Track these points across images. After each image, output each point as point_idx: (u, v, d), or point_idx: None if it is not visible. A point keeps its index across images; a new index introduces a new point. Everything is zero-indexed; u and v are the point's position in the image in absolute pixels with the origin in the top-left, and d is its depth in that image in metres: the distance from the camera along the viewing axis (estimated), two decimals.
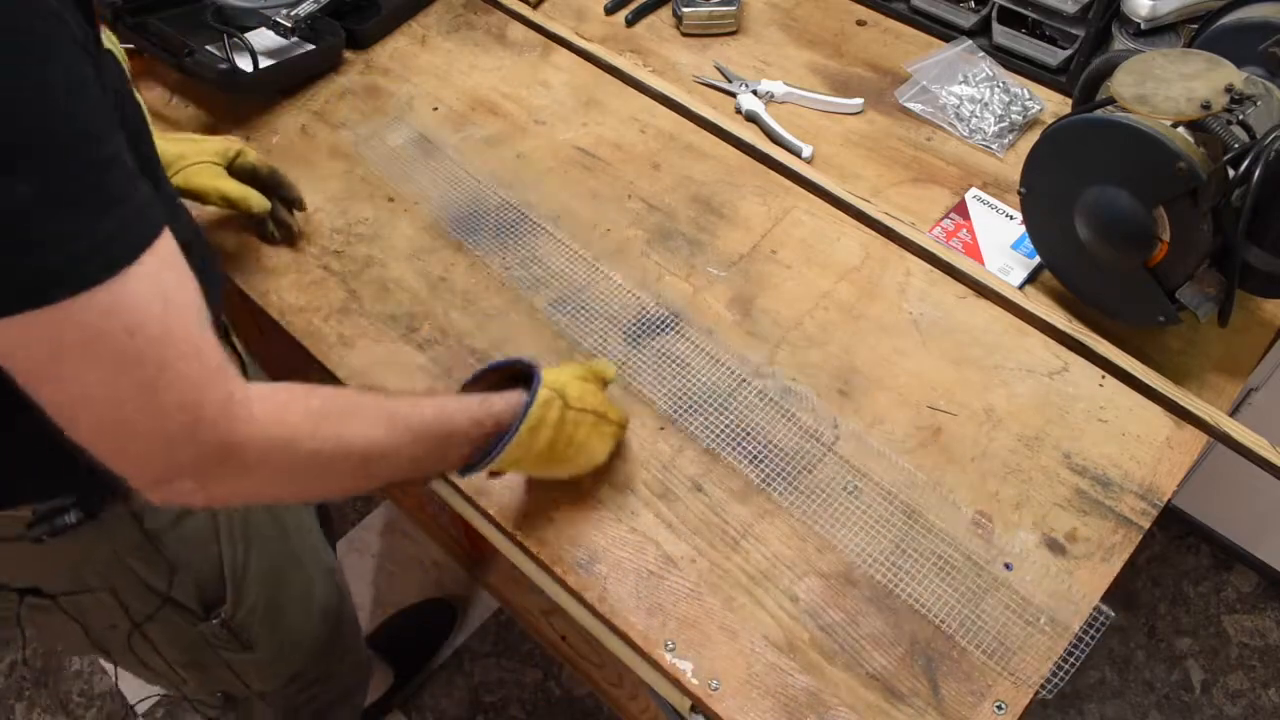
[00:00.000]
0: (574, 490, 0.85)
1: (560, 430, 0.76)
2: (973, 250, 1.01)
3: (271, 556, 0.93)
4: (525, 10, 1.30)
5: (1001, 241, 1.02)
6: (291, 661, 1.00)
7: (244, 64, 1.13)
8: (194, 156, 0.96)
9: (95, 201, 0.50)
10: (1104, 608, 0.76)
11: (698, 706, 0.76)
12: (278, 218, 1.03)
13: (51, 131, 0.48)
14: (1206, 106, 0.78)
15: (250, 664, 0.95)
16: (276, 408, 0.58)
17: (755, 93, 1.17)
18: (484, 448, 0.72)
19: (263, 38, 1.21)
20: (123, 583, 0.82)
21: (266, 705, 1.04)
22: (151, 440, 0.54)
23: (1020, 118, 1.12)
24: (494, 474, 0.80)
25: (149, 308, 0.51)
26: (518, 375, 0.77)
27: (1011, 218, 1.03)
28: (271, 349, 1.05)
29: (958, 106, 1.14)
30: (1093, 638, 0.75)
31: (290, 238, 1.04)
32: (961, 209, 1.05)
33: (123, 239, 0.51)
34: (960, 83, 1.16)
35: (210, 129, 1.18)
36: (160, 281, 0.52)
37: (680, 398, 0.91)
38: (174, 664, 0.92)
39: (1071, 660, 0.74)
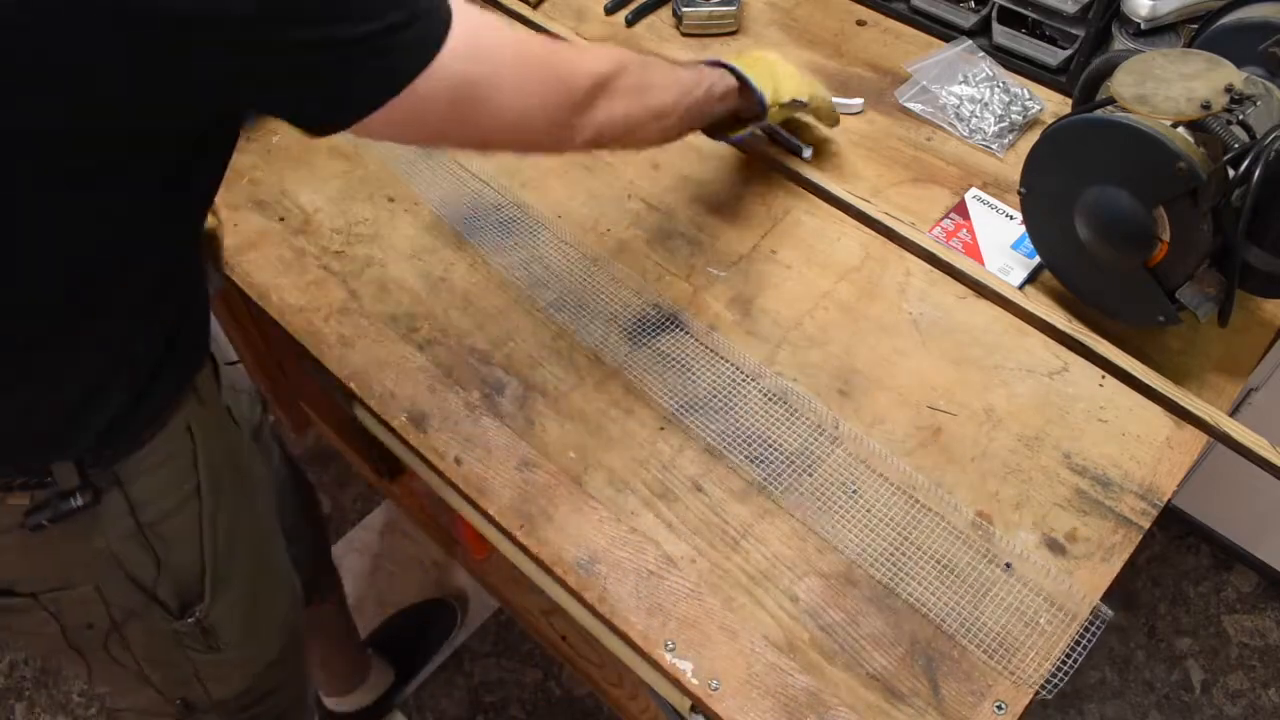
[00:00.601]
0: (574, 490, 0.85)
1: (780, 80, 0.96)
2: (973, 250, 1.01)
3: (251, 563, 0.93)
4: (525, 10, 1.30)
5: (1001, 241, 1.02)
6: (251, 669, 1.00)
7: None
8: None
9: None
10: (1103, 607, 0.76)
11: (698, 706, 0.76)
12: None
13: None
14: (1206, 106, 0.78)
15: (215, 666, 0.94)
16: (598, 52, 0.76)
17: None
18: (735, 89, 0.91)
19: None
20: (110, 577, 0.81)
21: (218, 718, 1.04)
22: (553, 117, 0.70)
23: (1020, 118, 1.12)
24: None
25: (503, 29, 0.65)
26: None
27: (1011, 218, 1.03)
28: (270, 349, 1.05)
29: (958, 106, 1.14)
30: (1092, 636, 0.75)
31: None
32: (961, 209, 1.05)
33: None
34: (960, 83, 1.16)
35: None
36: (493, 24, 0.65)
37: (680, 398, 0.91)
38: (143, 662, 0.91)
39: (1071, 660, 0.74)
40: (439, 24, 0.60)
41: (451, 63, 0.60)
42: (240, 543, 0.91)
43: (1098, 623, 0.76)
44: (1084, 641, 0.75)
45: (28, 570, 0.80)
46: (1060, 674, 0.74)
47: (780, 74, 0.96)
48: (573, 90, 0.71)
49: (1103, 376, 0.91)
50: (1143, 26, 1.06)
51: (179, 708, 0.99)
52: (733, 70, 0.91)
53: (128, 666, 0.90)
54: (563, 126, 0.72)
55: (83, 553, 0.79)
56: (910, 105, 1.16)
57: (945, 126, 1.13)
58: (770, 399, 0.91)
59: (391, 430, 0.92)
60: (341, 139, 1.15)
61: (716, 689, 0.75)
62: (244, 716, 1.04)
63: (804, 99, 0.98)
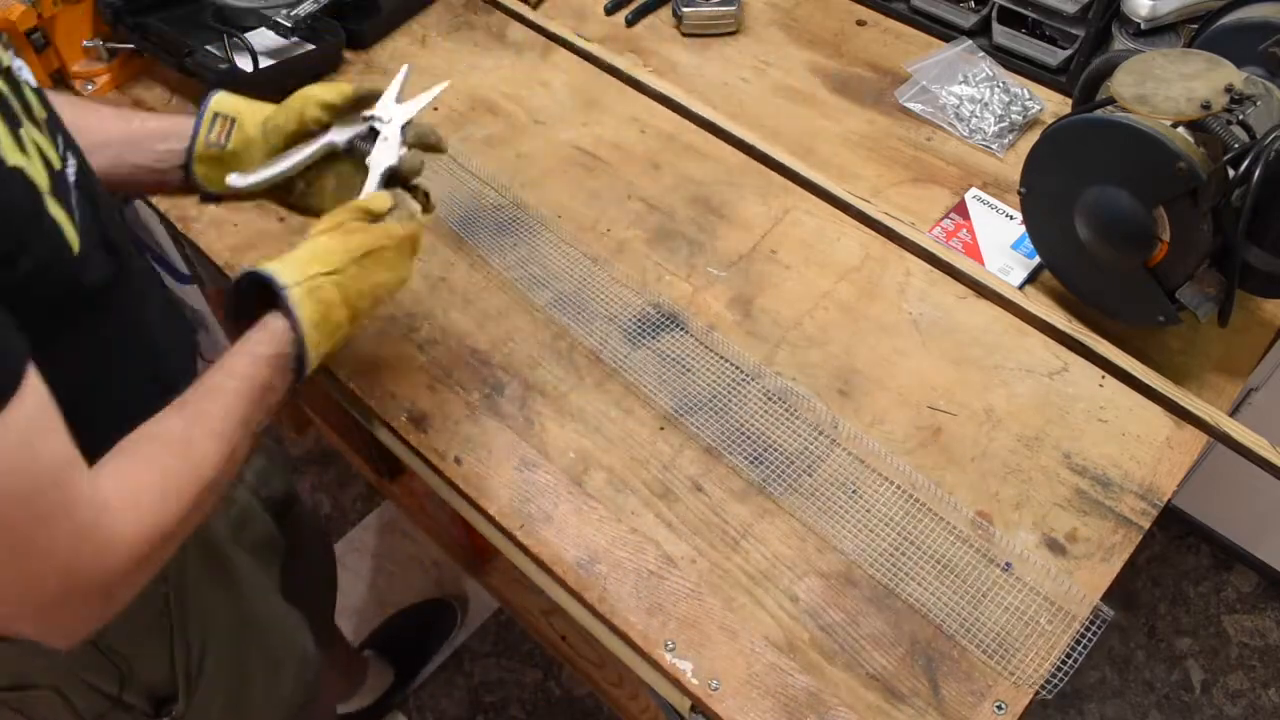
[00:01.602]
0: (574, 490, 0.85)
1: (349, 296, 0.72)
2: (973, 250, 1.01)
3: (231, 654, 0.89)
4: (525, 10, 1.30)
5: (1001, 241, 1.02)
6: None
7: (244, 64, 1.13)
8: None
9: None
10: (1103, 606, 0.76)
11: (698, 706, 0.76)
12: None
13: None
14: (1206, 106, 0.78)
15: None
16: (135, 510, 0.57)
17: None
18: (296, 362, 0.70)
19: (263, 38, 1.21)
20: (69, 684, 0.77)
21: None
22: (30, 599, 0.53)
23: (1020, 118, 1.12)
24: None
25: (12, 479, 0.49)
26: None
27: (1011, 218, 1.03)
28: None
29: (958, 106, 1.14)
30: (1093, 636, 0.75)
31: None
32: (961, 209, 1.05)
33: None
34: (960, 83, 1.16)
35: None
36: (22, 441, 0.49)
37: (680, 398, 0.91)
38: None
39: (1071, 660, 0.74)
40: None
41: None
42: (221, 638, 0.87)
43: (1098, 622, 0.76)
44: (1084, 641, 0.75)
45: None
46: (1060, 674, 0.74)
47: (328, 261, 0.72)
48: (81, 592, 0.56)
49: (1103, 376, 0.91)
50: (1143, 26, 1.06)
51: None
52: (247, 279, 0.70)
53: None
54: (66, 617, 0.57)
55: (37, 660, 0.75)
56: (910, 105, 1.16)
57: (945, 126, 1.14)
58: (770, 399, 0.91)
59: (391, 430, 0.92)
60: None
61: (716, 689, 0.75)
62: None
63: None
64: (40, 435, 0.51)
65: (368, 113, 0.80)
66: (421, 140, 0.82)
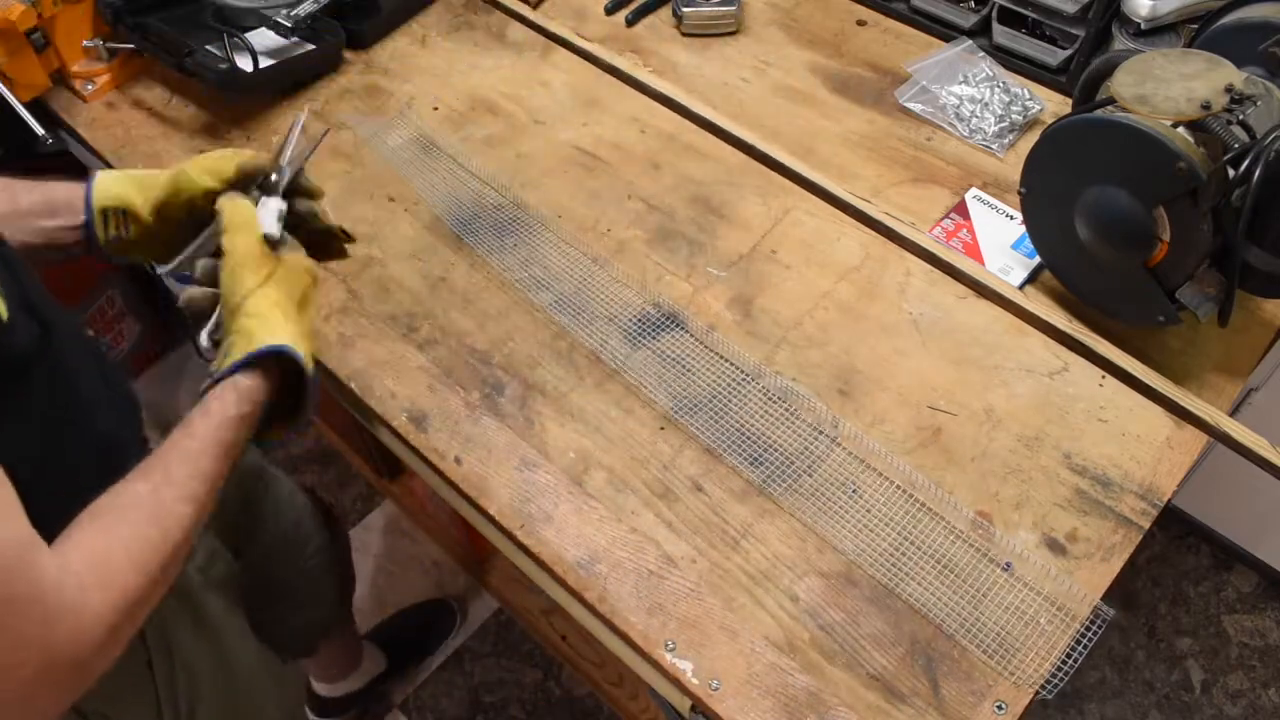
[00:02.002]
0: (574, 490, 0.85)
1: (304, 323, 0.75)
2: (973, 250, 1.01)
3: (220, 705, 0.88)
4: (525, 10, 1.30)
5: (1001, 241, 1.02)
6: None
7: (244, 64, 1.13)
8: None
9: None
10: (1103, 606, 0.76)
11: (698, 706, 0.76)
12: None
13: None
14: (1206, 106, 0.78)
15: None
16: (105, 584, 0.57)
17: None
18: (279, 393, 0.71)
19: (263, 38, 1.21)
20: None
21: None
22: (19, 697, 0.53)
23: (1020, 118, 1.12)
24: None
25: None
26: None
27: (1011, 218, 1.03)
28: None
29: (958, 106, 1.14)
30: (1094, 636, 0.75)
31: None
32: (961, 209, 1.05)
33: None
34: (960, 83, 1.16)
35: (210, 129, 1.18)
36: None
37: (680, 398, 0.91)
38: None
39: (1071, 660, 0.74)
40: None
41: None
42: (208, 690, 0.86)
43: (1098, 622, 0.76)
44: (1084, 641, 0.75)
45: None
46: (1060, 674, 0.74)
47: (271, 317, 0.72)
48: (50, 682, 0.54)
49: (1103, 376, 0.91)
50: (1143, 26, 1.06)
51: None
52: (226, 374, 0.70)
53: None
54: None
55: None
56: (910, 105, 1.16)
57: (945, 126, 1.14)
58: (770, 399, 0.91)
59: (391, 430, 0.92)
60: (344, 139, 1.15)
61: (716, 689, 0.75)
62: None
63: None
64: None
65: (260, 181, 0.79)
66: (301, 190, 0.82)
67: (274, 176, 0.78)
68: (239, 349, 0.70)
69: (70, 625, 0.54)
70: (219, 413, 0.68)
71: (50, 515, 0.58)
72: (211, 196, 0.79)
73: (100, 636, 0.56)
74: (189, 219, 0.81)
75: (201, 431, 0.67)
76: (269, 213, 0.76)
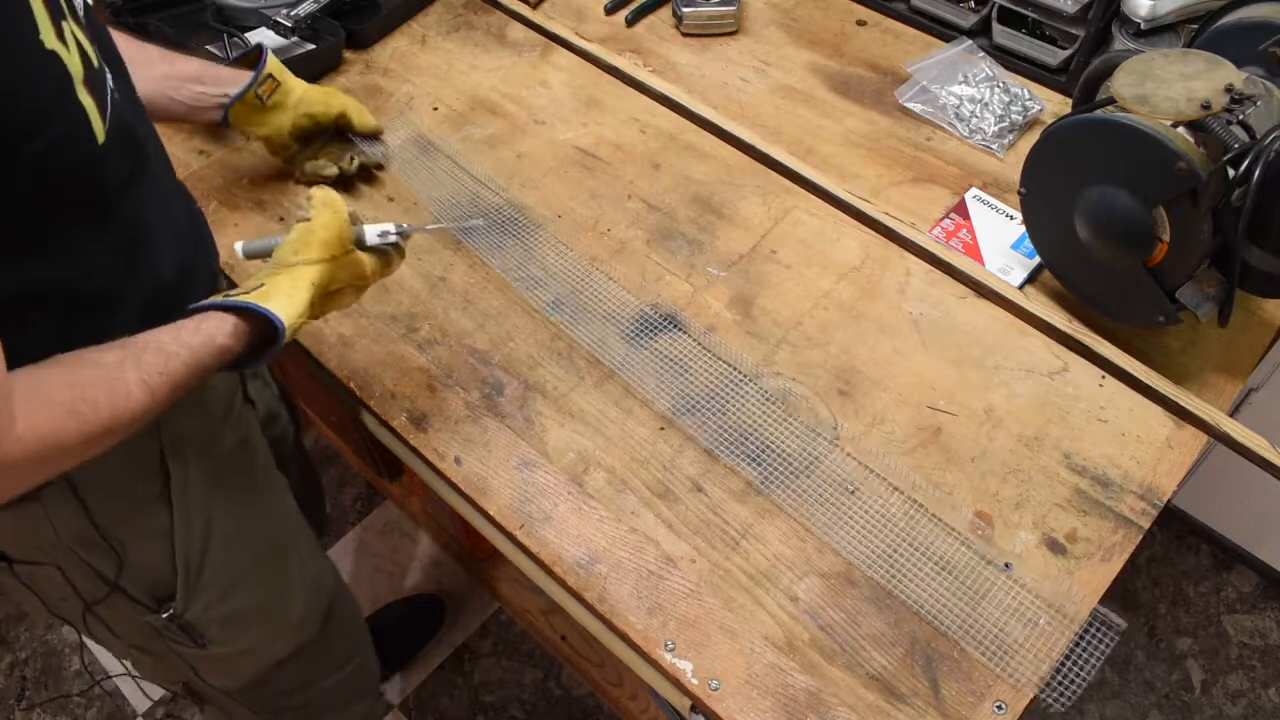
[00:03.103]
0: (574, 490, 0.85)
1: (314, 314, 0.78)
2: (973, 250, 1.01)
3: (236, 562, 0.91)
4: (525, 10, 1.30)
5: (1001, 241, 1.02)
6: (253, 666, 0.98)
7: None
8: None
9: None
10: (1115, 617, 0.76)
11: (698, 706, 0.76)
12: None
13: None
14: (1206, 106, 0.78)
15: (204, 660, 0.93)
16: (34, 415, 0.59)
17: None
18: (252, 347, 0.74)
19: (263, 38, 1.21)
20: (70, 563, 0.81)
21: (237, 703, 1.03)
22: None
23: (1020, 118, 1.12)
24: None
25: None
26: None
27: (1011, 218, 1.03)
28: None
29: (958, 106, 1.14)
30: (1107, 646, 0.75)
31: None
32: (961, 209, 1.05)
33: None
34: (960, 83, 1.16)
35: (210, 129, 1.18)
36: None
37: (680, 398, 0.91)
38: (129, 645, 0.91)
39: (1084, 672, 0.74)
40: None
41: None
42: (231, 544, 0.89)
43: (1110, 633, 0.76)
44: (1098, 652, 0.75)
45: (3, 540, 0.80)
46: (1072, 687, 0.74)
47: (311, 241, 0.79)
48: None
49: (1103, 376, 0.91)
50: (1143, 26, 1.06)
51: (181, 688, 0.98)
52: (238, 307, 0.74)
53: (113, 643, 0.90)
54: None
55: (39, 537, 0.78)
56: (910, 105, 1.16)
57: (945, 126, 1.13)
58: (769, 399, 0.91)
59: (391, 430, 0.92)
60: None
61: (716, 689, 0.75)
62: (261, 705, 1.03)
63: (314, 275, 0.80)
64: None
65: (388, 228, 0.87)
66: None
67: (405, 226, 0.88)
68: (256, 296, 0.74)
69: None
70: (208, 333, 0.71)
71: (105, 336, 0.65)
72: (340, 125, 1.07)
73: (8, 454, 0.57)
74: (305, 125, 1.04)
75: (186, 339, 0.70)
76: (376, 226, 0.84)
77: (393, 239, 0.84)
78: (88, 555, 0.80)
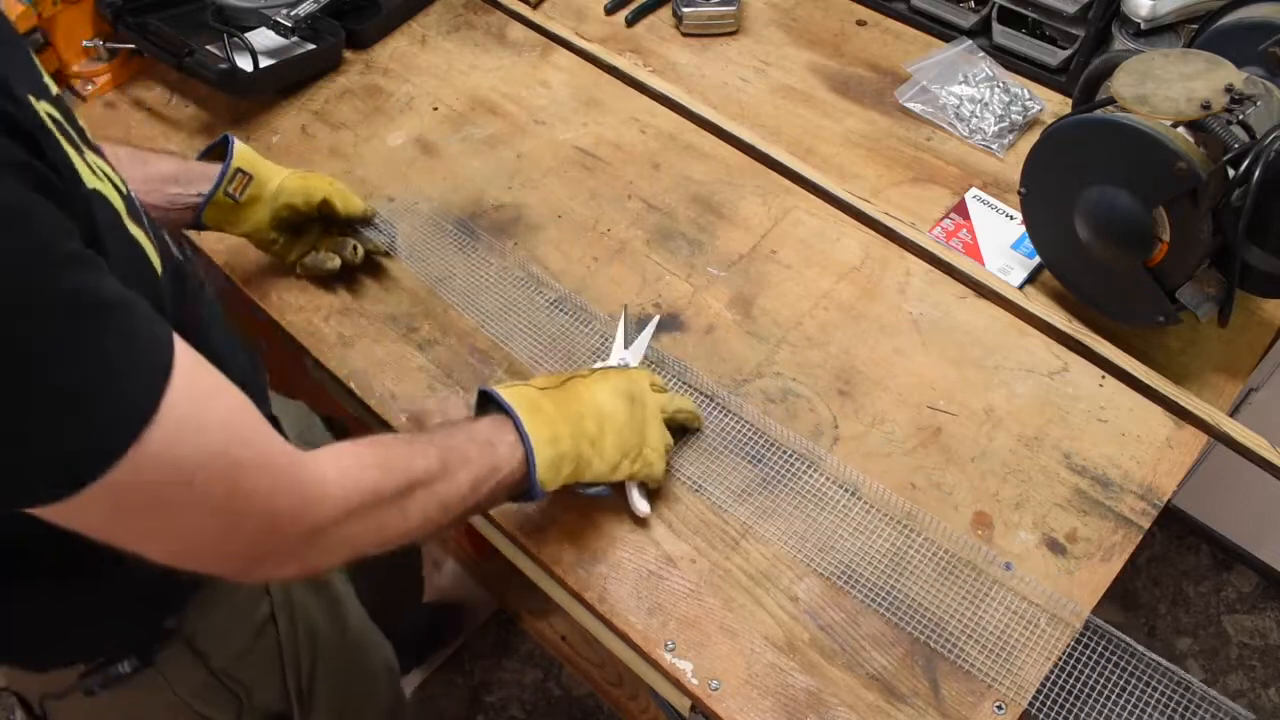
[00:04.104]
0: (574, 493, 0.85)
1: (563, 408, 0.74)
2: (973, 250, 1.01)
3: (338, 665, 0.90)
4: (525, 10, 1.30)
5: (1001, 241, 1.02)
6: None
7: (244, 64, 1.13)
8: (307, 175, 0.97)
9: (78, 364, 0.45)
10: (1135, 645, 0.76)
11: (698, 706, 0.76)
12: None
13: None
14: (1206, 106, 0.78)
15: None
16: (346, 471, 0.59)
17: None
18: (522, 450, 0.71)
19: (263, 38, 1.21)
20: None
21: None
22: (231, 548, 0.55)
23: (1020, 118, 1.12)
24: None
25: (197, 443, 0.50)
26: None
27: (1011, 218, 1.03)
28: (272, 350, 1.05)
29: (958, 106, 1.14)
30: (1115, 662, 0.75)
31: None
32: (961, 209, 1.05)
33: (134, 386, 0.47)
34: (960, 83, 1.16)
35: (210, 129, 1.18)
36: (197, 407, 0.50)
37: None
38: None
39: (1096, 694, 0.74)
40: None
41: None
42: (324, 652, 0.87)
43: (1135, 659, 0.76)
44: (1099, 656, 0.75)
45: None
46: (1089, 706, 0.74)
47: (608, 444, 0.76)
48: (277, 533, 0.56)
49: (1103, 376, 0.91)
50: (1143, 26, 1.06)
51: None
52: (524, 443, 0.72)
53: None
54: (252, 562, 0.58)
55: (153, 704, 0.76)
56: (910, 105, 1.16)
57: (945, 126, 1.13)
58: (770, 399, 0.91)
59: (392, 430, 0.92)
60: (343, 138, 1.15)
61: (716, 689, 0.75)
62: None
63: (605, 486, 0.79)
64: (213, 399, 0.52)
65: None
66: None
67: (616, 361, 0.91)
68: (581, 470, 0.74)
69: (298, 495, 0.56)
70: (500, 460, 0.70)
71: None
72: (323, 213, 0.96)
73: (330, 512, 0.58)
74: (284, 216, 0.95)
75: (488, 465, 0.69)
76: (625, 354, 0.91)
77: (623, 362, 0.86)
78: (208, 707, 0.78)
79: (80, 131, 0.58)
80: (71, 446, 0.45)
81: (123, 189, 0.60)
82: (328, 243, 1.00)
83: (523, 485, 0.71)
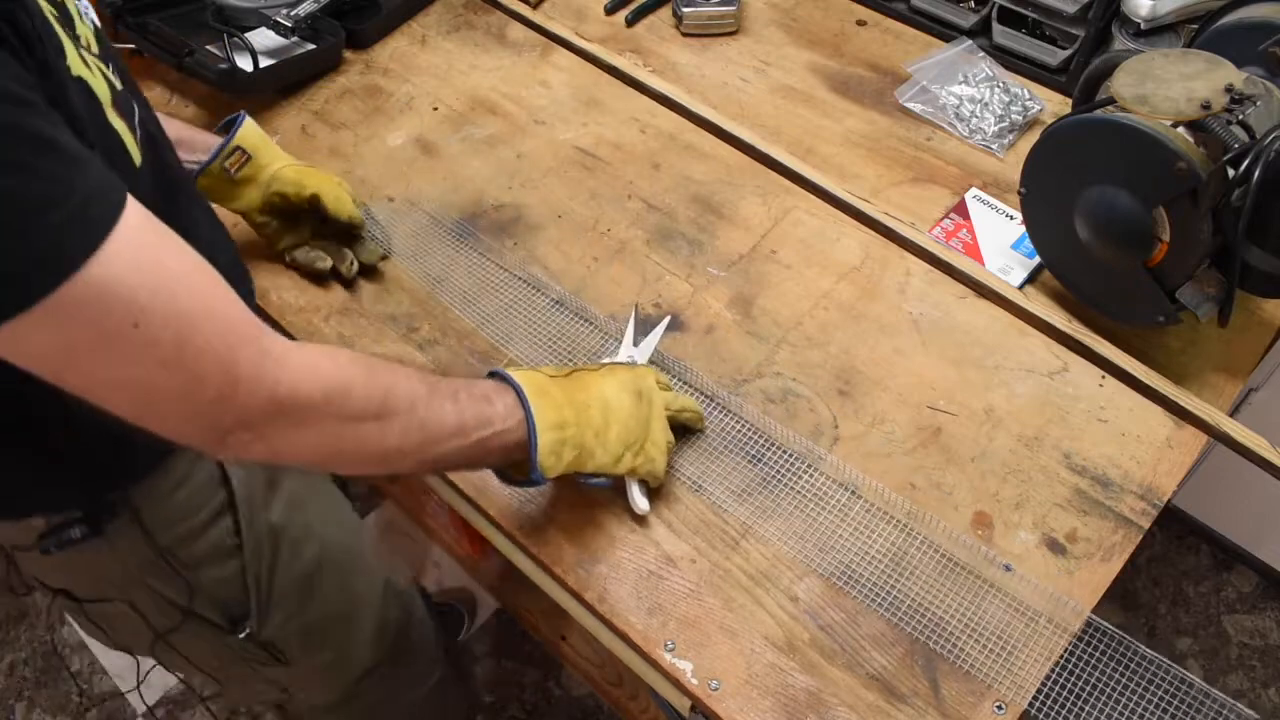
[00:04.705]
0: (574, 491, 0.85)
1: (570, 397, 0.74)
2: (973, 250, 1.01)
3: (304, 573, 0.90)
4: (525, 10, 1.30)
5: (1001, 241, 1.02)
6: (340, 679, 0.97)
7: (244, 64, 1.13)
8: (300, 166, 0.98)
9: (34, 195, 0.47)
10: (1155, 655, 0.76)
11: (698, 706, 0.76)
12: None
13: None
14: (1206, 106, 0.78)
15: (292, 678, 0.92)
16: (320, 356, 0.59)
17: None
18: (520, 422, 0.71)
19: (263, 38, 1.21)
20: (140, 596, 0.80)
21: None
22: (193, 409, 0.54)
23: (1020, 118, 1.12)
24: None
25: (141, 285, 0.50)
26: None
27: (1011, 218, 1.03)
28: None
29: (958, 106, 1.14)
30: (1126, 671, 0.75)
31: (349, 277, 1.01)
32: (961, 209, 1.05)
33: (80, 217, 0.48)
34: (960, 83, 1.16)
35: (209, 129, 1.18)
36: (145, 254, 0.51)
37: None
38: (209, 671, 0.90)
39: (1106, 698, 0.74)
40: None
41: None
42: (298, 552, 0.88)
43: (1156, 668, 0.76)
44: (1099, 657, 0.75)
45: (69, 581, 0.80)
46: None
47: (612, 435, 0.76)
48: (229, 401, 0.55)
49: (1103, 376, 0.91)
50: (1143, 26, 1.06)
51: (275, 713, 0.96)
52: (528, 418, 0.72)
53: (190, 670, 0.89)
54: (207, 430, 0.57)
55: (107, 572, 0.78)
56: (910, 105, 1.16)
57: (945, 126, 1.13)
58: (770, 399, 0.91)
59: None
60: (343, 138, 1.15)
61: (716, 689, 0.75)
62: (375, 712, 1.02)
63: (606, 478, 0.79)
64: (166, 252, 0.53)
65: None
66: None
67: (625, 357, 0.91)
68: (569, 450, 0.73)
69: (255, 354, 0.55)
70: (496, 418, 0.70)
71: None
72: (313, 207, 0.96)
73: (294, 391, 0.57)
74: (275, 203, 0.96)
75: (481, 415, 0.69)
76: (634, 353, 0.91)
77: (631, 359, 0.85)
78: (159, 585, 0.80)
79: (79, 35, 0.60)
80: (13, 267, 0.46)
81: (117, 86, 0.62)
82: (322, 243, 1.00)
83: (518, 455, 0.71)
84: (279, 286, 1.01)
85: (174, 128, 0.90)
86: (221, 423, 0.56)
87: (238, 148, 0.92)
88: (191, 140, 0.92)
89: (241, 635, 0.85)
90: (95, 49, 0.63)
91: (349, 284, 1.01)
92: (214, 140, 0.93)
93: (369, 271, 1.02)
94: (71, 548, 0.74)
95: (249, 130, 0.94)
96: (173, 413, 0.55)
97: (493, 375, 0.75)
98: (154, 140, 0.68)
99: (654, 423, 0.79)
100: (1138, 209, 0.82)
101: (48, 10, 0.55)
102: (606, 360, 0.88)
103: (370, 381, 0.61)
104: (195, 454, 0.77)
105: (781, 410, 0.90)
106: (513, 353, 0.95)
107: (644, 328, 0.95)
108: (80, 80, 0.57)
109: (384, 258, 1.03)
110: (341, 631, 0.96)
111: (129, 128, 0.62)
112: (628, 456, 0.77)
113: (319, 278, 1.01)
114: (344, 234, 1.01)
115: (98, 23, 0.68)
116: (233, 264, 0.83)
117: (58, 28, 0.56)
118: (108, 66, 0.64)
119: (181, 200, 0.73)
